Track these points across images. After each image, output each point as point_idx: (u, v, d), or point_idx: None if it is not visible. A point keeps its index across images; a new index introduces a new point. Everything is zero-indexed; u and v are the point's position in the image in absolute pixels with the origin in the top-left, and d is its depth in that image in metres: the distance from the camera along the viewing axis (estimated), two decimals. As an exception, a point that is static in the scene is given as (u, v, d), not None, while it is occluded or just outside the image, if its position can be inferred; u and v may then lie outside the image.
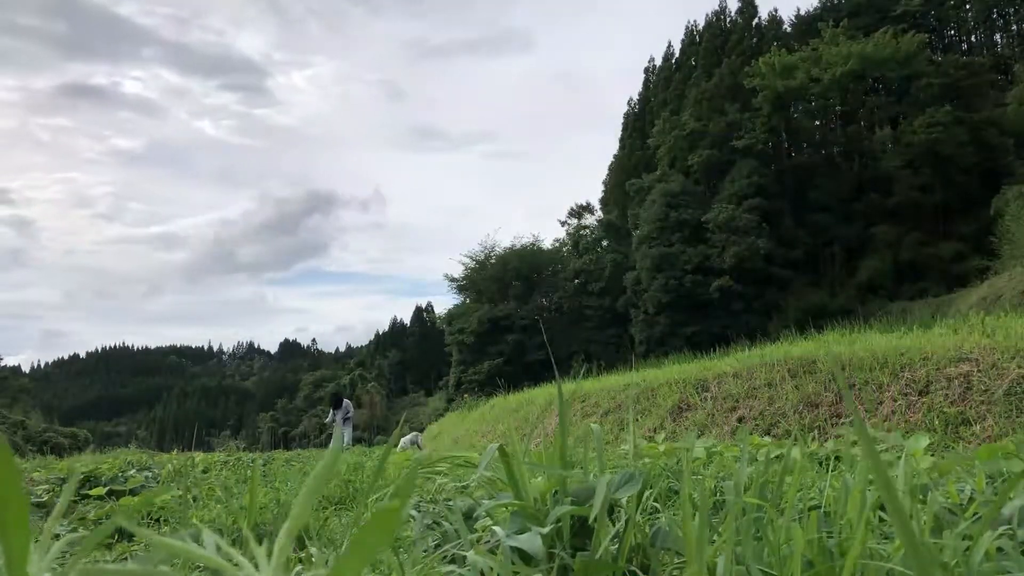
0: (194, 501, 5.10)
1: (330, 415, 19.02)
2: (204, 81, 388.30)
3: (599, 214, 54.54)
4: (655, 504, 2.32)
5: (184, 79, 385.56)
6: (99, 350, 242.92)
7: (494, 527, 1.66)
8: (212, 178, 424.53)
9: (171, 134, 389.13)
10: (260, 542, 0.61)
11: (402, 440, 16.71)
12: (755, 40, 49.48)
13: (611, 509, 1.72)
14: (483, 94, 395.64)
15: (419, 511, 3.82)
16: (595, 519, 1.63)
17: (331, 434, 13.78)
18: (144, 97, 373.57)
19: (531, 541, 1.55)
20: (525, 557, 1.54)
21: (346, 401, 19.06)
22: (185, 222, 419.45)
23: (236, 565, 0.52)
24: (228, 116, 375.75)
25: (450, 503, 3.56)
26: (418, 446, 18.17)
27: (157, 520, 3.93)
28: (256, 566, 0.53)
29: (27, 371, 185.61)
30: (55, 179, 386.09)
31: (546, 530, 1.58)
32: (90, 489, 4.67)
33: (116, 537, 3.73)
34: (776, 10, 53.75)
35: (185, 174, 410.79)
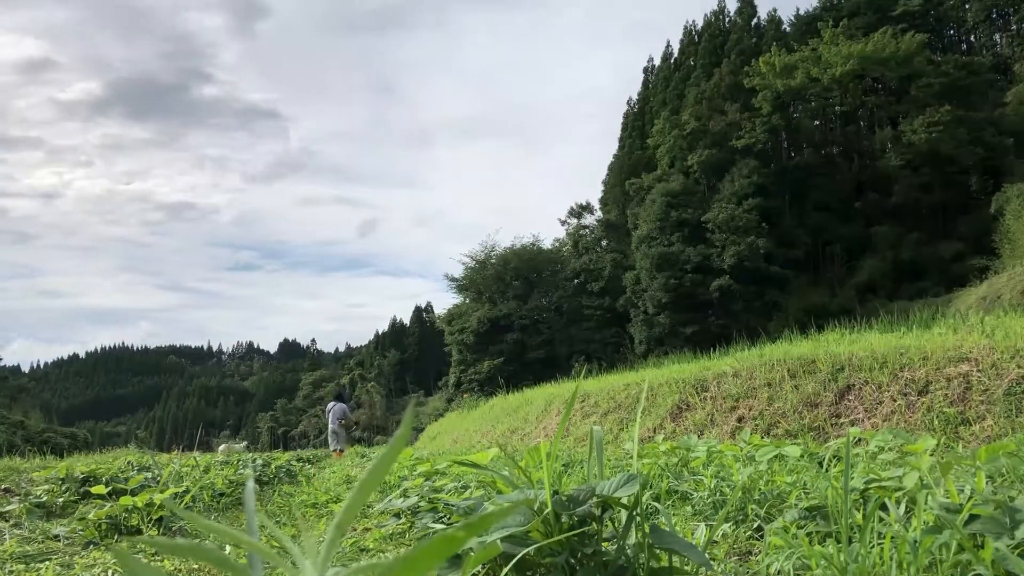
0: (194, 501, 5.10)
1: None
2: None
3: (599, 214, 54.50)
4: (655, 504, 2.32)
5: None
6: (98, 350, 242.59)
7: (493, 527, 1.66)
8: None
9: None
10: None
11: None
12: (754, 40, 49.43)
13: (611, 508, 1.72)
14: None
15: (419, 509, 3.83)
16: (595, 518, 1.63)
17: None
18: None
19: (529, 541, 1.56)
20: (522, 557, 1.54)
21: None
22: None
23: (287, 555, 0.50)
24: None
25: (451, 504, 3.57)
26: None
27: (159, 520, 3.93)
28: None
29: (27, 371, 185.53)
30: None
31: (544, 528, 1.59)
32: (90, 488, 4.67)
33: (116, 537, 3.73)
34: (775, 10, 53.55)
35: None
